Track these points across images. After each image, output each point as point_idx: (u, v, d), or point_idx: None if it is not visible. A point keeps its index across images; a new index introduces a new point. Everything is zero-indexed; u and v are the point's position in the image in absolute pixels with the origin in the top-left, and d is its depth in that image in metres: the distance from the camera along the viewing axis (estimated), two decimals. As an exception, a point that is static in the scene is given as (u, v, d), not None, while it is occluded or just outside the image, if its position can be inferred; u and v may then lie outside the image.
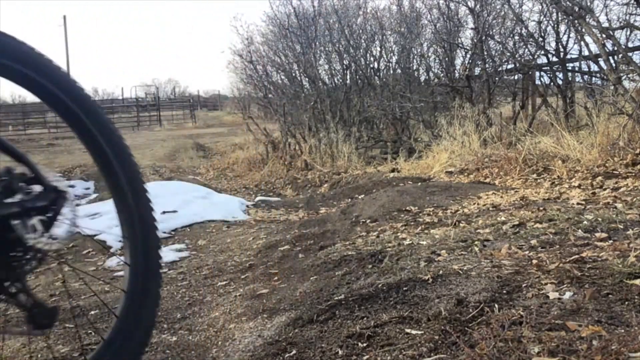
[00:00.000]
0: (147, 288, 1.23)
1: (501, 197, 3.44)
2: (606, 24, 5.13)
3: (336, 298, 1.76)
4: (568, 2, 4.90)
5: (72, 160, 11.01)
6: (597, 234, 2.02)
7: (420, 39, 8.79)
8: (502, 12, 7.33)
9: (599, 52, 4.86)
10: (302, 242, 3.28)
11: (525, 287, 1.53)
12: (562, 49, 6.55)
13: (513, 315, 1.30)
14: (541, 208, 2.75)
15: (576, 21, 5.19)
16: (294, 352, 1.39)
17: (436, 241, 2.34)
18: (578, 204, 2.87)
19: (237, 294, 2.46)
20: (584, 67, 6.58)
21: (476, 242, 2.17)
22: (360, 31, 9.52)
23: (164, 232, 4.36)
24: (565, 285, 1.49)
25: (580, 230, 2.12)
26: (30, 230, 0.98)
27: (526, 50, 7.16)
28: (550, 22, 6.57)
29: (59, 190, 1.08)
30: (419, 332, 1.32)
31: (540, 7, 6.56)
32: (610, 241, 1.91)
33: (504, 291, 1.52)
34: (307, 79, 10.34)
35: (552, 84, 6.78)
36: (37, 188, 1.05)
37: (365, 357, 1.25)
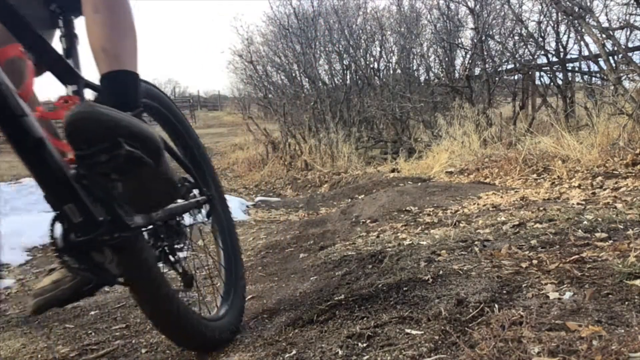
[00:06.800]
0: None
1: (501, 197, 3.44)
2: (606, 24, 5.13)
3: (336, 298, 1.76)
4: (568, 2, 4.90)
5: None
6: (597, 234, 2.02)
7: (420, 39, 8.80)
8: (502, 13, 7.34)
9: (599, 52, 4.86)
10: (302, 242, 3.28)
11: (525, 287, 1.53)
12: (562, 49, 6.55)
13: (513, 315, 1.30)
14: (541, 208, 2.75)
15: (576, 21, 5.19)
16: (294, 352, 1.39)
17: (436, 241, 2.34)
18: (578, 204, 2.87)
19: (237, 294, 2.46)
20: (584, 67, 6.57)
21: (476, 242, 2.17)
22: (360, 31, 9.53)
23: (164, 233, 4.35)
24: (565, 285, 1.49)
25: (580, 230, 2.11)
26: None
27: (526, 50, 7.17)
28: (550, 22, 6.58)
29: (207, 194, 1.63)
30: (419, 332, 1.32)
31: (540, 7, 6.56)
32: (610, 241, 1.91)
33: (504, 291, 1.52)
34: (307, 79, 10.34)
35: (552, 84, 6.78)
36: (196, 192, 1.57)
37: (365, 357, 1.25)
